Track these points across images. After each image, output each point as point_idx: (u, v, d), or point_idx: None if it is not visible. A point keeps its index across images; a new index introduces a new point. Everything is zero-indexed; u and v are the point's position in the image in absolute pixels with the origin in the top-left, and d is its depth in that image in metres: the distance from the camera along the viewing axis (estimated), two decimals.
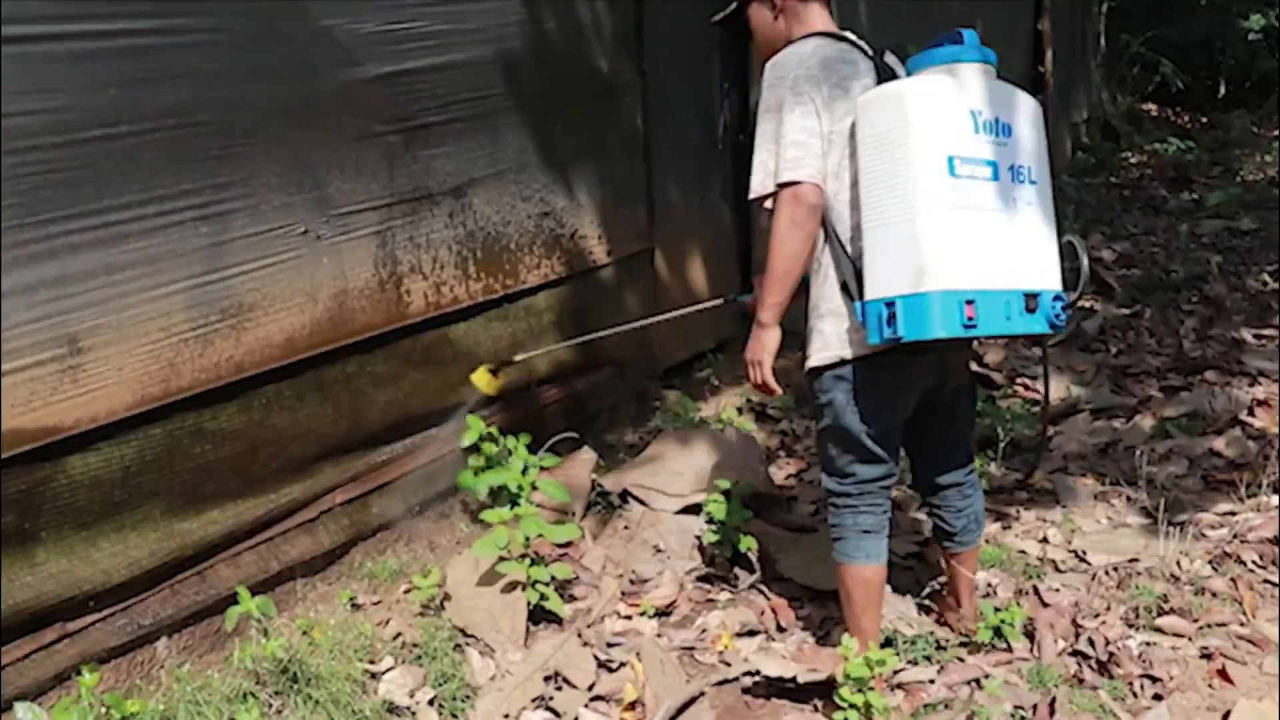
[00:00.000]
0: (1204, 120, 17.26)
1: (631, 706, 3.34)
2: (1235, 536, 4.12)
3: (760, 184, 3.12)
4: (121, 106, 3.00)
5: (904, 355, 3.02)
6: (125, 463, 3.14)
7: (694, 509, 4.32)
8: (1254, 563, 3.96)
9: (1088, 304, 7.58)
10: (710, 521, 4.13)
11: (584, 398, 4.99)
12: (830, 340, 3.14)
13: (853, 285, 3.06)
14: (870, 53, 3.19)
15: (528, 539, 3.70)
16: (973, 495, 3.52)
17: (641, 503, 4.42)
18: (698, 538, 4.23)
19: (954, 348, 3.16)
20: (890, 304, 2.90)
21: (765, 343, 3.16)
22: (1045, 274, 3.03)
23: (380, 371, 3.93)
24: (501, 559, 3.68)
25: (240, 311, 3.39)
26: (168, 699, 3.08)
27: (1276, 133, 16.29)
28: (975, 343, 3.39)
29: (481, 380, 4.15)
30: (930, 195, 2.86)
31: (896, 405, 3.20)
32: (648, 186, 5.39)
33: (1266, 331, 6.91)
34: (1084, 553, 4.14)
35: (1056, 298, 3.01)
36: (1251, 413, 5.40)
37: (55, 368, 2.92)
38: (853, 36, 3.22)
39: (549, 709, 3.36)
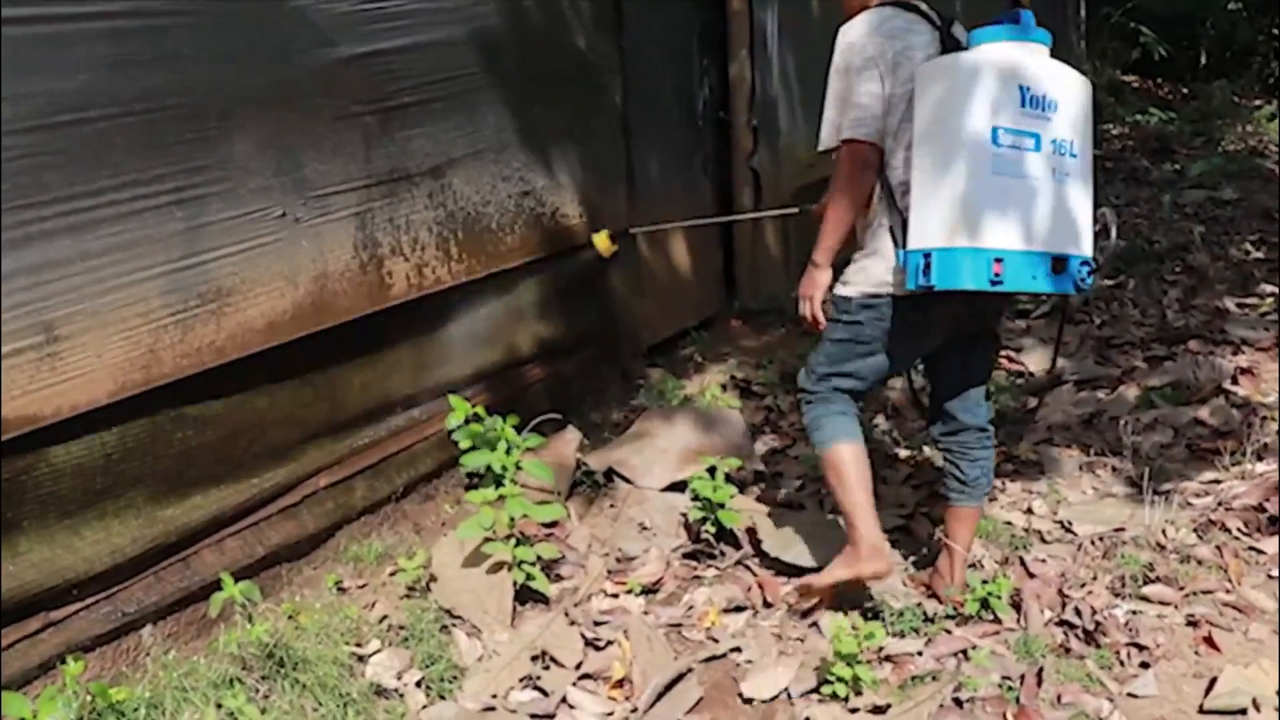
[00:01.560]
0: (1185, 91, 17.26)
1: (619, 684, 3.35)
2: (1220, 504, 4.13)
3: (827, 138, 3.48)
4: (92, 91, 2.96)
5: (936, 300, 3.28)
6: (107, 450, 3.12)
7: (679, 486, 4.32)
8: (1239, 530, 3.98)
9: None
10: (696, 498, 4.12)
11: (568, 377, 4.98)
12: (873, 275, 3.44)
13: (899, 234, 3.35)
14: (938, 23, 3.42)
15: (513, 519, 3.69)
16: (990, 445, 3.71)
17: (627, 481, 4.42)
18: (683, 515, 4.23)
19: (987, 299, 3.37)
20: (927, 255, 3.19)
21: (817, 280, 3.52)
22: (1076, 240, 3.28)
23: (365, 356, 3.91)
24: (487, 540, 3.67)
25: (219, 296, 3.36)
26: (154, 686, 3.06)
27: (1257, 102, 16.31)
28: (1002, 308, 3.71)
29: (602, 243, 4.36)
30: (973, 161, 3.13)
31: (916, 343, 3.53)
32: (628, 165, 5.37)
33: (1249, 300, 6.92)
34: (1070, 523, 4.15)
35: (1084, 262, 3.29)
36: (1235, 381, 5.41)
37: (33, 356, 2.89)
38: (924, 7, 3.46)
39: (537, 688, 3.36)
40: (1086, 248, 3.32)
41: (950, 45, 3.37)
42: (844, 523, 3.58)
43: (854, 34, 3.39)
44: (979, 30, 3.28)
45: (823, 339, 3.61)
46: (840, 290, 3.53)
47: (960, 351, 3.58)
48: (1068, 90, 3.26)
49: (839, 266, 3.54)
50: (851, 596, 3.65)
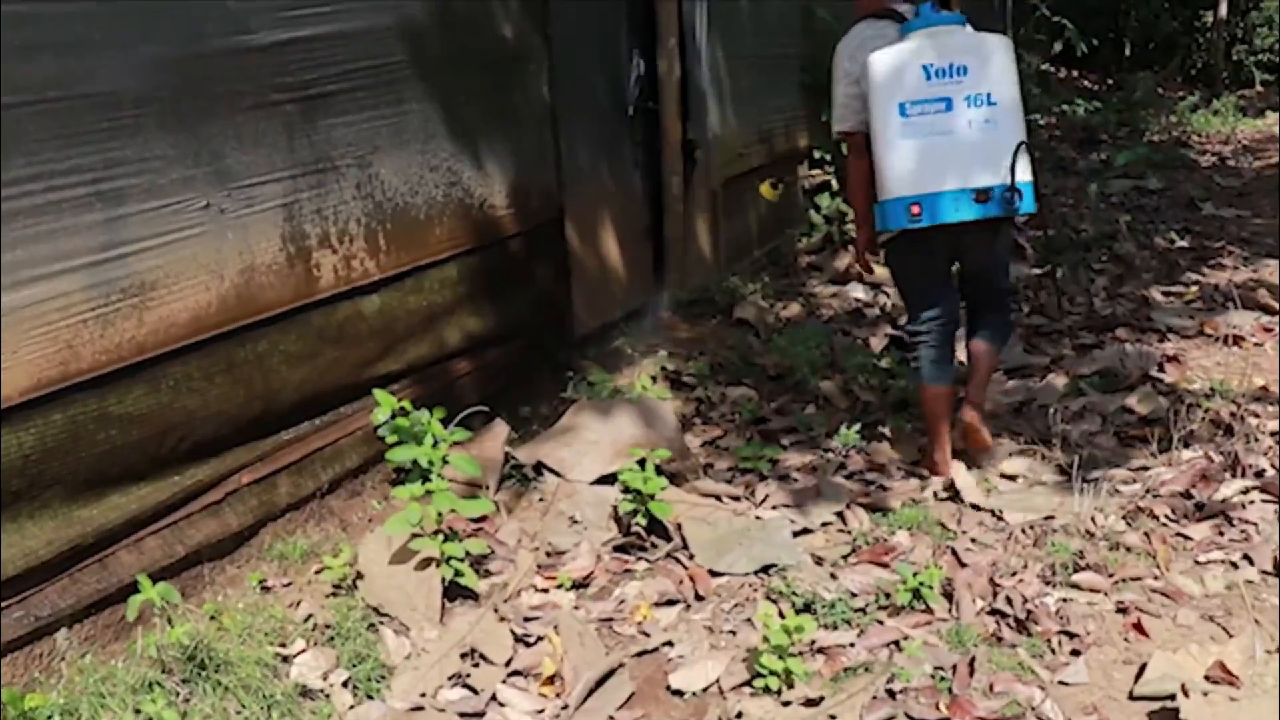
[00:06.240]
0: (1110, 82, 17.47)
1: (550, 681, 3.31)
2: (1148, 491, 4.17)
3: (833, 129, 4.61)
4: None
5: (924, 233, 4.20)
6: (24, 450, 3.02)
7: (610, 479, 4.28)
8: (1167, 517, 4.01)
9: None
10: (626, 491, 4.09)
11: (497, 370, 4.92)
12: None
13: None
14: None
15: (440, 515, 3.64)
16: (999, 326, 4.61)
17: (556, 474, 4.37)
18: (614, 508, 4.19)
19: (962, 232, 4.20)
20: (874, 208, 4.28)
21: (858, 238, 4.69)
22: (996, 172, 4.08)
23: (292, 349, 3.84)
24: (414, 536, 3.62)
25: (142, 290, 3.28)
26: (69, 692, 2.97)
27: (1180, 94, 16.55)
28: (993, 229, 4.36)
29: (767, 190, 5.45)
30: (885, 132, 4.11)
31: (928, 265, 4.42)
32: (556, 154, 5.32)
33: (1175, 289, 7.01)
34: (1000, 511, 4.16)
35: (1007, 189, 4.06)
36: (1162, 369, 5.47)
37: None
38: (902, 9, 4.39)
39: (466, 686, 3.32)
40: (1006, 177, 4.07)
41: None
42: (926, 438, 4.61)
43: (837, 50, 4.42)
44: (904, 26, 4.23)
45: (896, 285, 4.78)
46: (879, 241, 4.55)
47: (967, 275, 4.57)
48: (975, 54, 4.12)
49: None
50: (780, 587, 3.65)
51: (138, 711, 2.90)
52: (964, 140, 4.07)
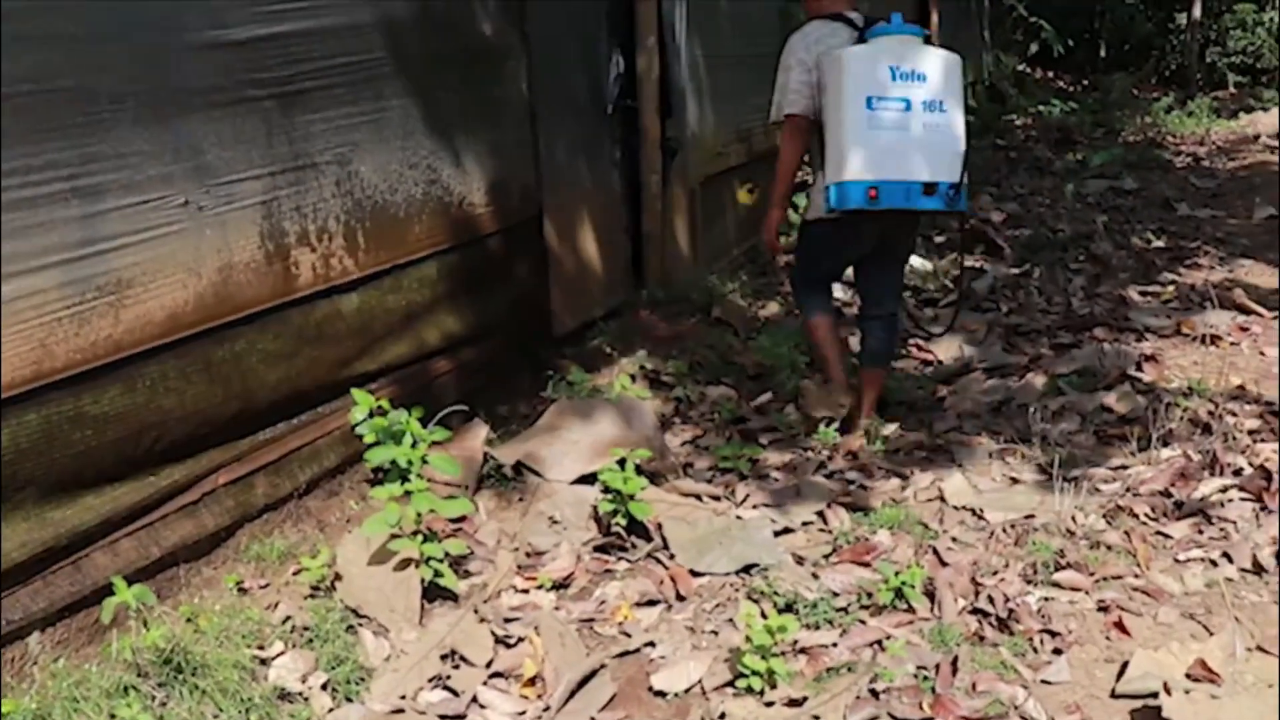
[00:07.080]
0: (1086, 82, 17.55)
1: (531, 682, 3.29)
2: (1128, 490, 4.17)
3: (774, 114, 4.80)
4: None
5: (855, 219, 4.57)
6: None
7: (590, 479, 4.26)
8: (1146, 515, 4.01)
9: (978, 264, 7.66)
10: (606, 490, 4.07)
11: (476, 369, 4.90)
12: (817, 205, 4.72)
13: None
14: (860, 26, 4.64)
15: (419, 515, 3.62)
16: (890, 330, 5.04)
17: (536, 474, 4.35)
18: (594, 507, 4.17)
19: (894, 221, 4.65)
20: (829, 187, 4.51)
21: (773, 217, 4.93)
22: (944, 170, 4.48)
23: (270, 348, 3.81)
24: (393, 536, 3.59)
25: (118, 288, 3.24)
26: (42, 697, 2.93)
27: (1155, 95, 16.63)
28: (916, 221, 4.96)
29: (743, 196, 5.76)
30: (852, 120, 4.41)
31: (845, 248, 4.87)
32: (535, 152, 5.30)
33: (1151, 288, 7.03)
34: (981, 510, 4.15)
35: (951, 185, 4.48)
36: (1140, 368, 5.48)
37: None
38: (852, 16, 4.70)
39: (446, 688, 3.29)
40: (954, 175, 4.48)
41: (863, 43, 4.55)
42: (821, 370, 5.09)
43: (792, 41, 4.72)
44: (871, 29, 4.58)
45: (797, 252, 5.14)
46: (803, 218, 4.94)
47: (877, 264, 4.91)
48: (934, 65, 4.49)
49: None
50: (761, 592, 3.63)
51: (113, 716, 2.86)
52: (916, 139, 4.45)
